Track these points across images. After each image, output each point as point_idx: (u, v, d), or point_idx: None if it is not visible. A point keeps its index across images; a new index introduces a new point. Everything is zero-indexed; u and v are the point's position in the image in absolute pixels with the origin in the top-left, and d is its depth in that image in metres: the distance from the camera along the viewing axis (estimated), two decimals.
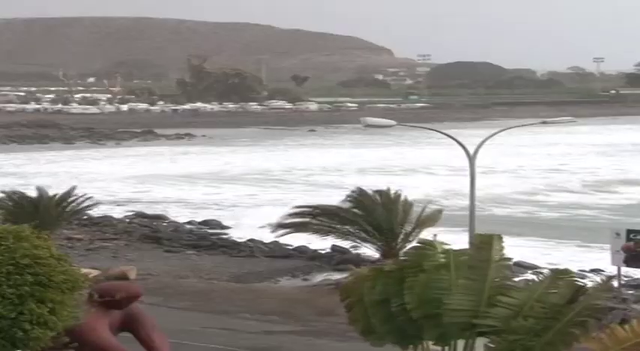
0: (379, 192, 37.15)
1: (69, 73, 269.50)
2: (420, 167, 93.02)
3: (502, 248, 11.52)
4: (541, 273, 13.84)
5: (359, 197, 36.73)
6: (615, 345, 10.40)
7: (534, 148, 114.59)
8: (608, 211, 63.93)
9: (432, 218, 36.24)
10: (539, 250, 48.30)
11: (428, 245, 11.77)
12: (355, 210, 36.59)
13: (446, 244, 11.96)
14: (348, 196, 37.66)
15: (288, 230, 38.71)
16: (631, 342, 10.39)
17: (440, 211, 38.24)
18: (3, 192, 42.63)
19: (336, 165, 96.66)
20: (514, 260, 46.21)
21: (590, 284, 12.01)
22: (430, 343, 11.52)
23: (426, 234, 35.27)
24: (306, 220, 38.00)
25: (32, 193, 43.86)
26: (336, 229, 36.83)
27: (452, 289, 11.15)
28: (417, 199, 40.87)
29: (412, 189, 70.21)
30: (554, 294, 10.95)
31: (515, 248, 48.95)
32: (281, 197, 68.09)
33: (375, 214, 35.46)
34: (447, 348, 11.40)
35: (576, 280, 11.33)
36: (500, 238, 11.62)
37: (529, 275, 41.76)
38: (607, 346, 10.44)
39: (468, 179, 29.30)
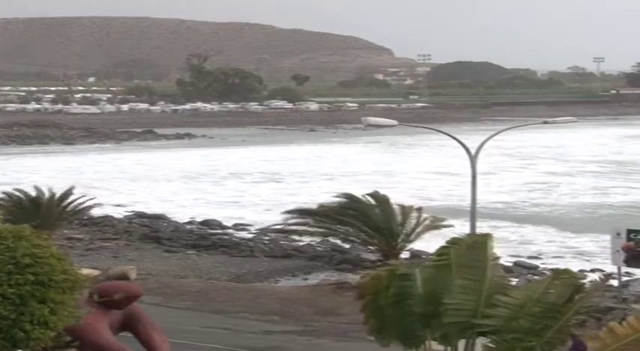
0: (371, 194, 36.90)
1: (69, 73, 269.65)
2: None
3: (492, 247, 11.41)
4: (543, 273, 13.80)
5: (351, 200, 36.53)
6: (615, 342, 10.39)
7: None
8: None
9: (436, 220, 36.04)
10: None
11: (455, 244, 11.53)
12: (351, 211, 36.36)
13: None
14: (339, 196, 37.30)
15: (287, 235, 38.42)
16: (630, 338, 10.38)
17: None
18: (3, 192, 42.58)
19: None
20: (515, 260, 46.35)
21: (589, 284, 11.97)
22: (433, 343, 11.53)
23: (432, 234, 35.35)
24: (305, 220, 37.82)
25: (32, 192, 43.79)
26: (336, 230, 36.67)
27: (451, 289, 11.15)
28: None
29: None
30: (552, 293, 10.93)
31: None
32: None
33: (371, 214, 35.33)
34: (449, 348, 11.41)
35: (576, 280, 11.28)
36: (490, 237, 11.52)
37: (529, 276, 41.88)
38: (606, 344, 10.43)
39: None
